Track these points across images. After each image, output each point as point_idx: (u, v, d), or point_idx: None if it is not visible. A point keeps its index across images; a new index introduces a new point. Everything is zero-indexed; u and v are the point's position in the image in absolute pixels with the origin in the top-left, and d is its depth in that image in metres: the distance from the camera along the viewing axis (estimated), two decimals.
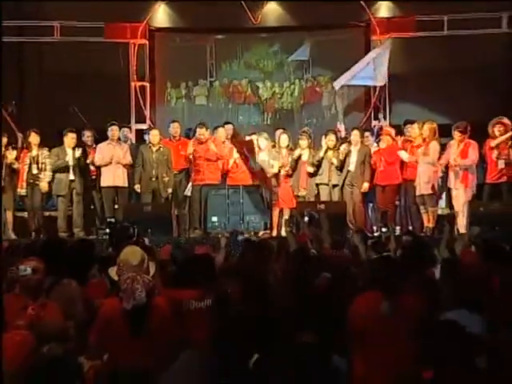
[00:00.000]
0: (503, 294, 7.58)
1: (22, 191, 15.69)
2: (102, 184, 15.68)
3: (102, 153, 15.63)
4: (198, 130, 15.88)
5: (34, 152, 15.56)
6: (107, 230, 13.70)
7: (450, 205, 15.45)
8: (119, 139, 15.92)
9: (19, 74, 18.50)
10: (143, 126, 17.50)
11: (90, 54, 17.42)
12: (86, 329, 6.70)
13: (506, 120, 14.88)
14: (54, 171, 15.51)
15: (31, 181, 15.52)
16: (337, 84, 16.74)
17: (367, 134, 16.27)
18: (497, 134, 14.83)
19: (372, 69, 16.42)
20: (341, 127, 17.00)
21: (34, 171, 15.49)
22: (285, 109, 18.82)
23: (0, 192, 13.45)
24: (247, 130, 18.35)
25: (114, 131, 15.75)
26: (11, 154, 15.65)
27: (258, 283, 7.93)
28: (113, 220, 14.91)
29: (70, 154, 15.49)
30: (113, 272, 6.78)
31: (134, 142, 17.20)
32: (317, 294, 7.23)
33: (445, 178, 15.30)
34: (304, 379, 4.57)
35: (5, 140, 15.78)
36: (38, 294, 6.89)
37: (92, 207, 16.10)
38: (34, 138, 15.66)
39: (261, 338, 4.52)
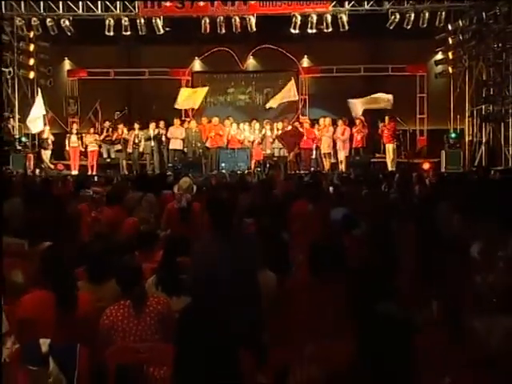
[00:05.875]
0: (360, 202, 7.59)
1: (129, 150, 15.63)
2: (170, 147, 15.56)
3: (170, 131, 15.52)
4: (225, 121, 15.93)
5: (136, 131, 15.51)
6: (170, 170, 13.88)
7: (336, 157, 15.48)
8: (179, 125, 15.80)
9: (128, 95, 18.10)
10: (188, 119, 17.06)
11: (162, 84, 17.06)
12: (159, 218, 6.80)
13: (362, 117, 15.05)
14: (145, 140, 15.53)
15: (134, 146, 15.49)
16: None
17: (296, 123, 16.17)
18: (357, 122, 15.07)
19: None
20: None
21: (136, 141, 15.44)
22: (247, 101, 18.48)
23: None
24: (240, 108, 18.41)
25: (176, 122, 15.68)
26: (125, 132, 15.75)
27: (242, 190, 8.07)
28: (171, 165, 14.97)
29: (151, 132, 15.41)
30: (175, 188, 6.87)
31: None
32: (274, 201, 7.23)
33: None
34: (263, 244, 4.25)
35: (122, 125, 15.78)
36: (99, 205, 6.82)
37: (163, 159, 15.92)
38: (136, 125, 15.59)
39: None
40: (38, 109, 15.50)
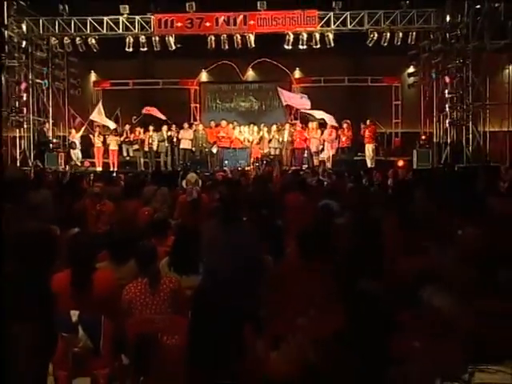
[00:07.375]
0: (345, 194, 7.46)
1: (146, 149, 15.48)
2: (180, 147, 15.37)
3: (181, 133, 15.34)
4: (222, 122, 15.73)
5: (151, 133, 15.38)
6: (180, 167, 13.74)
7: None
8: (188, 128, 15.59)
9: (144, 102, 17.63)
10: (196, 122, 16.90)
11: (173, 93, 16.90)
12: (171, 209, 6.67)
13: (348, 121, 14.93)
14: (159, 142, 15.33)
15: (150, 145, 15.38)
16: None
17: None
18: (344, 126, 14.92)
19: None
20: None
21: (150, 141, 15.32)
22: (247, 107, 18.26)
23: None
24: (241, 113, 18.08)
25: (185, 124, 15.50)
26: (140, 134, 15.52)
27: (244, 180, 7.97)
28: (181, 162, 14.87)
29: (165, 134, 15.30)
30: (183, 183, 6.78)
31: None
32: (270, 193, 7.13)
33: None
34: (261, 231, 4.21)
35: (139, 129, 15.63)
36: (101, 200, 6.50)
37: (174, 157, 15.74)
38: (151, 127, 15.42)
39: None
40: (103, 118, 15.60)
